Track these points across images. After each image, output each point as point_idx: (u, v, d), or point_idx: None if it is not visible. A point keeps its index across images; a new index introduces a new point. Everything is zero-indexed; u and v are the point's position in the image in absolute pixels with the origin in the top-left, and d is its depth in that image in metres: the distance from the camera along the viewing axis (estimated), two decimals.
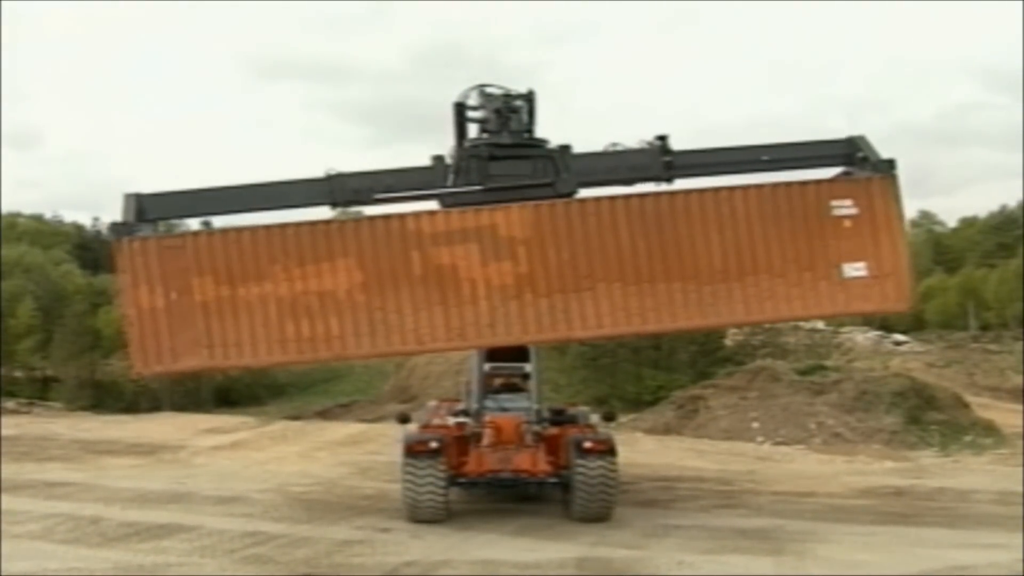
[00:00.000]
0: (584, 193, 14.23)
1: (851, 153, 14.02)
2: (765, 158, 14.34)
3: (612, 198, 13.67)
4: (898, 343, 48.06)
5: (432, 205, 14.25)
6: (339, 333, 13.24)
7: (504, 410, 14.93)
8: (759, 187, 13.56)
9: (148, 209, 13.84)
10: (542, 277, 13.24)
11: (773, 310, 13.80)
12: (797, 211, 13.40)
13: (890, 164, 13.67)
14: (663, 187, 14.24)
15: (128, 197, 13.80)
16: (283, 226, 13.44)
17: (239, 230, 13.47)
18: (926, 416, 23.44)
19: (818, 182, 13.70)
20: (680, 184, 14.29)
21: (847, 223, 13.32)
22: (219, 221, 14.28)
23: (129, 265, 13.16)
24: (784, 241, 13.36)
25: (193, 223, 15.19)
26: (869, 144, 13.91)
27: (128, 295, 13.21)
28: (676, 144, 14.29)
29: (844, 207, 13.37)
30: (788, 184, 13.58)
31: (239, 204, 14.28)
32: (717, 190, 13.59)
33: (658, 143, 14.34)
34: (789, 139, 14.54)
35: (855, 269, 13.32)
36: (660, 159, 14.28)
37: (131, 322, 13.22)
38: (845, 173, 14.09)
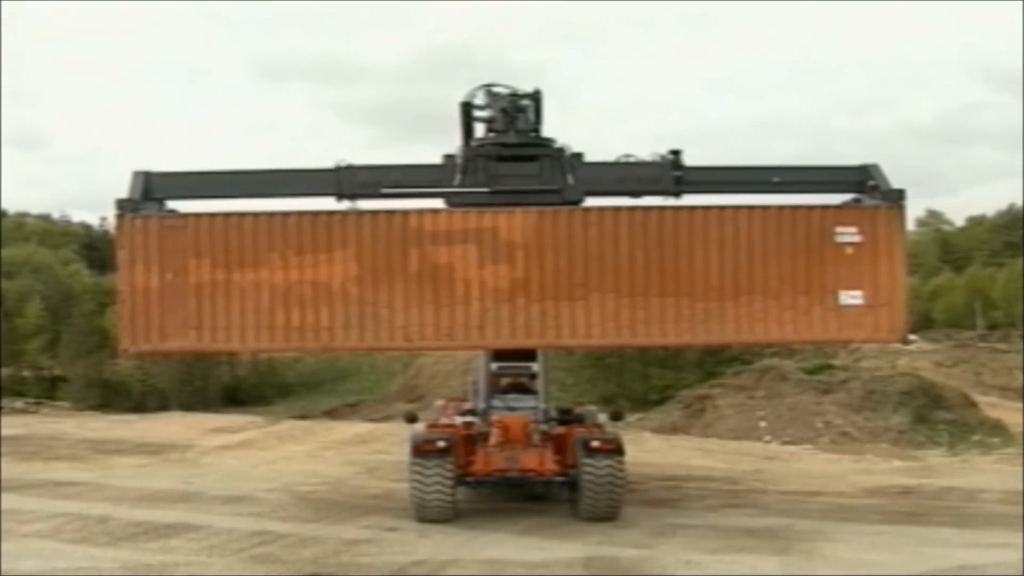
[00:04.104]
0: (591, 202, 14.26)
1: (863, 180, 14.01)
2: (776, 180, 14.36)
3: (616, 209, 13.71)
4: (906, 342, 47.71)
5: (438, 203, 14.30)
6: (328, 325, 13.36)
7: (511, 409, 14.93)
8: (765, 208, 13.57)
9: (155, 188, 13.93)
10: (537, 282, 13.28)
11: (764, 332, 13.83)
12: (800, 235, 13.40)
13: (900, 195, 13.66)
14: (669, 201, 14.26)
15: (136, 175, 13.89)
16: (285, 214, 13.53)
17: (241, 215, 13.54)
18: (934, 415, 23.40)
19: (824, 208, 13.71)
20: (687, 199, 14.32)
21: (849, 250, 13.33)
22: (223, 205, 14.33)
23: (128, 242, 13.27)
24: (783, 264, 13.37)
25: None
26: (882, 173, 13.90)
27: (124, 272, 13.31)
28: (679, 144, 14.36)
29: (848, 234, 13.38)
30: (795, 208, 13.58)
31: (246, 189, 14.35)
32: (722, 208, 13.61)
33: (670, 157, 14.35)
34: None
35: (851, 297, 13.32)
36: (670, 173, 14.29)
37: (123, 299, 13.34)
38: (855, 200, 14.10)
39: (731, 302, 13.37)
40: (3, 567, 11.09)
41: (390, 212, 13.67)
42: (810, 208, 13.60)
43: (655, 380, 30.94)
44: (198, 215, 13.67)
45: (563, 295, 13.28)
